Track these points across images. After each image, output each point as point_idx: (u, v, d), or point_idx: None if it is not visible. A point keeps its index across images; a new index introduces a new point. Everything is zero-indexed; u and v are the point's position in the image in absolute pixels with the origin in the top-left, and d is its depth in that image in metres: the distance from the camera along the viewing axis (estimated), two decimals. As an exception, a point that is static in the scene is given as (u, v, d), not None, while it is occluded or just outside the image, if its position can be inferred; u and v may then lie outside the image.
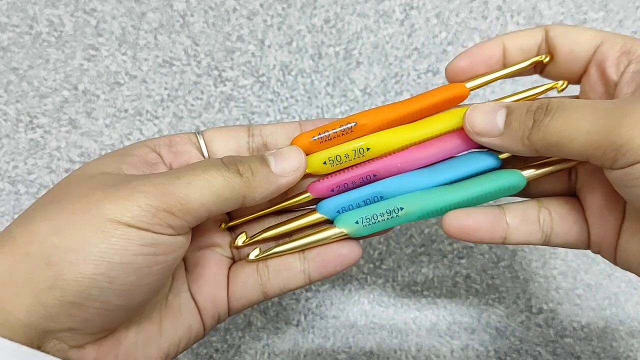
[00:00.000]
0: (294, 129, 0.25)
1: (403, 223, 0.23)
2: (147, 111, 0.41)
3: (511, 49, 0.25)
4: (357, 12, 0.43)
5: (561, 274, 0.38)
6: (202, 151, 0.24)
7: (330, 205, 0.24)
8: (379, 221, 0.23)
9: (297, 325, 0.37)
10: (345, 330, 0.37)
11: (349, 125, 0.23)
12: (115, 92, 0.41)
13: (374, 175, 0.23)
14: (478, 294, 0.38)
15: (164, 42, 0.42)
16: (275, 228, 0.25)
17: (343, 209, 0.23)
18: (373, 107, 0.41)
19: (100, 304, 0.19)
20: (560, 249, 0.39)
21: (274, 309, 0.38)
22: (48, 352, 0.18)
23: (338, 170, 0.24)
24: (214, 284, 0.24)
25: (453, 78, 0.25)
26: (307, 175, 0.24)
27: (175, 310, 0.23)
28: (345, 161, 0.24)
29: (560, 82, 0.25)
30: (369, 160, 0.24)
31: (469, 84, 0.25)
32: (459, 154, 0.24)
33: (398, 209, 0.22)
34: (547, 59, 0.25)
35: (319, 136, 0.24)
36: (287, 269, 0.24)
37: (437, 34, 0.42)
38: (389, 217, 0.23)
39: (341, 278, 0.38)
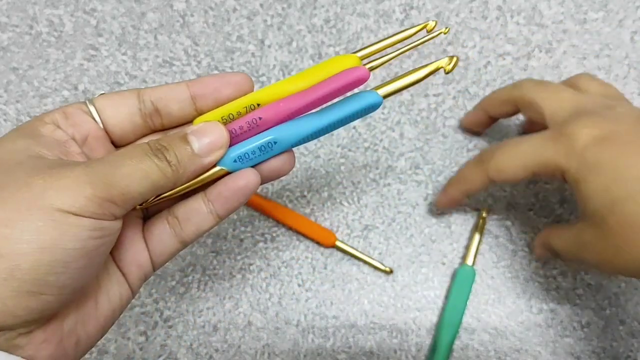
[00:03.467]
0: (183, 91, 0.25)
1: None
2: (147, 111, 0.41)
3: None
4: (357, 12, 0.43)
5: (561, 274, 0.38)
6: (94, 119, 0.24)
7: (227, 158, 0.24)
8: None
9: (297, 325, 0.37)
10: (345, 330, 0.37)
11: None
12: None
13: (260, 118, 0.24)
14: (478, 294, 0.38)
15: (164, 42, 0.42)
16: None
17: (239, 158, 0.24)
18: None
19: (57, 289, 0.19)
20: (560, 249, 0.39)
21: (274, 309, 0.38)
22: None
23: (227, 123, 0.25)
24: (134, 247, 0.24)
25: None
26: None
27: (106, 282, 0.23)
28: (238, 118, 0.25)
29: (431, 23, 0.25)
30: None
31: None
32: (340, 94, 0.24)
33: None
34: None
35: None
36: (194, 215, 0.25)
37: (437, 34, 0.42)
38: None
39: (341, 278, 0.38)
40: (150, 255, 0.25)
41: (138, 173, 0.21)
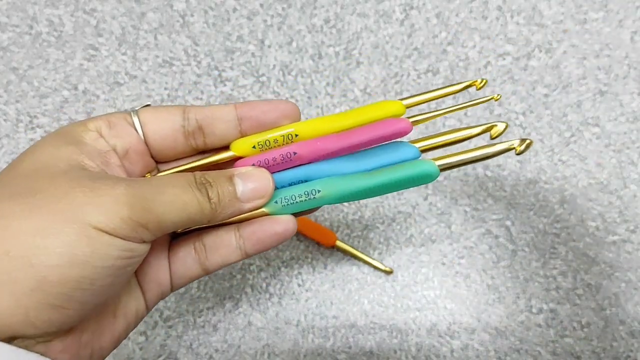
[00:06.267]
0: (229, 112, 0.24)
1: (321, 205, 0.24)
2: (147, 111, 0.41)
3: None
4: (357, 12, 0.43)
5: (561, 274, 0.38)
6: (138, 132, 0.24)
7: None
8: (297, 202, 0.24)
9: (297, 325, 0.37)
10: (345, 330, 0.37)
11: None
12: (115, 92, 0.41)
13: (294, 153, 0.24)
14: (478, 294, 0.38)
15: (164, 42, 0.42)
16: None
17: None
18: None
19: (80, 305, 0.19)
20: (560, 249, 0.39)
21: (274, 309, 0.38)
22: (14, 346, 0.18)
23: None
24: (157, 266, 0.24)
25: None
26: (237, 158, 0.25)
27: (126, 297, 0.23)
28: (274, 146, 0.24)
29: (479, 80, 0.25)
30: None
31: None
32: (379, 143, 0.24)
33: (316, 191, 0.24)
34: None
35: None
36: (223, 247, 0.24)
37: (437, 34, 0.42)
38: (307, 199, 0.24)
39: (341, 278, 0.38)
40: (171, 276, 0.25)
41: (177, 203, 0.21)
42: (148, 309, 0.25)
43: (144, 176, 0.25)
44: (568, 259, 0.39)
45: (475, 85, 0.25)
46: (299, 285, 0.38)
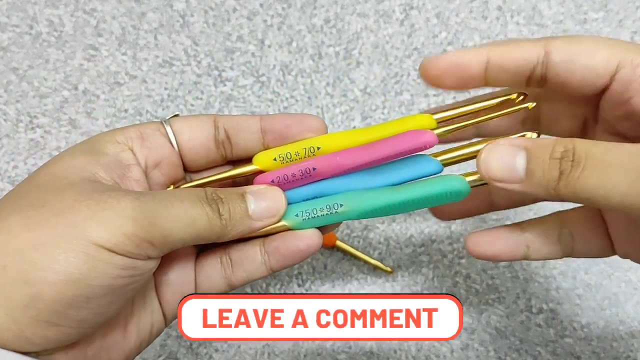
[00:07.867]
0: (254, 124, 0.24)
1: (344, 220, 0.23)
2: (147, 111, 0.41)
3: (495, 68, 0.22)
4: (357, 12, 0.43)
5: (561, 274, 0.38)
6: (171, 142, 0.24)
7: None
8: (318, 216, 0.23)
9: (297, 325, 0.37)
10: (345, 330, 0.37)
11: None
12: (115, 92, 0.41)
13: (313, 169, 0.23)
14: (478, 294, 0.38)
15: (164, 42, 0.42)
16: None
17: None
18: (373, 107, 0.41)
19: (76, 322, 0.18)
20: (560, 249, 0.39)
21: (274, 309, 0.38)
22: None
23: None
24: (183, 277, 0.24)
25: (427, 81, 0.23)
26: (258, 172, 0.24)
27: (140, 311, 0.23)
28: (296, 159, 0.23)
29: (514, 95, 0.23)
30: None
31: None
32: (401, 157, 0.23)
33: (338, 205, 0.22)
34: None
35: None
36: (248, 262, 0.24)
37: (437, 34, 0.42)
38: (329, 213, 0.23)
39: (341, 278, 0.38)
40: (196, 290, 0.24)
41: (185, 218, 0.20)
42: (167, 323, 0.24)
43: (169, 187, 0.24)
44: (568, 259, 0.39)
45: (511, 98, 0.23)
46: (298, 285, 0.38)
